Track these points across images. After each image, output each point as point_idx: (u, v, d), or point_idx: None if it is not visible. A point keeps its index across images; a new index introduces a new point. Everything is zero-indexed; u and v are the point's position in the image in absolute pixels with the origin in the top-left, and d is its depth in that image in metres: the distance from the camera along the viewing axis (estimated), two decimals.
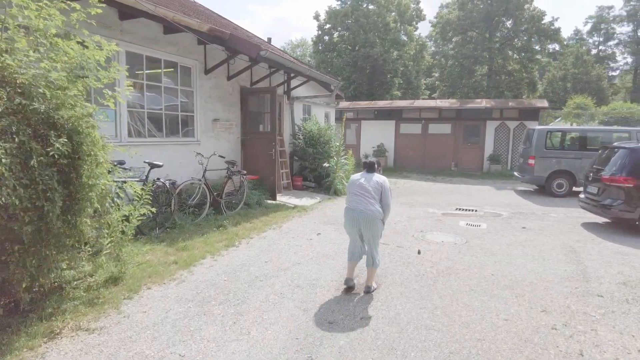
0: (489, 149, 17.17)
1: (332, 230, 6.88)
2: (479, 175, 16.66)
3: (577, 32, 47.79)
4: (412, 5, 33.99)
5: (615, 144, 8.04)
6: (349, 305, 3.94)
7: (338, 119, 19.44)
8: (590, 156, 10.96)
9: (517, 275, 4.88)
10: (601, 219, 8.24)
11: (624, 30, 44.72)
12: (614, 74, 45.39)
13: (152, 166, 5.60)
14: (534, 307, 3.96)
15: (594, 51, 44.04)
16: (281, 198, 9.47)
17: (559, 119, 22.95)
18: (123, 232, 4.26)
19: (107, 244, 4.29)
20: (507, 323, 3.63)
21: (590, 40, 45.96)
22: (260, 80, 9.72)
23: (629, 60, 43.79)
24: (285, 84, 11.06)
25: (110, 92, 3.66)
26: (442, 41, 31.31)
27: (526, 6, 26.02)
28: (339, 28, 30.27)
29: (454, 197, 11.27)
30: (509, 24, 27.70)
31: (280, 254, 5.47)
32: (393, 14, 29.89)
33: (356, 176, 4.31)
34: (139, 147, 6.76)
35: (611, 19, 45.06)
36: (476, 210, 9.43)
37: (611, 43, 45.17)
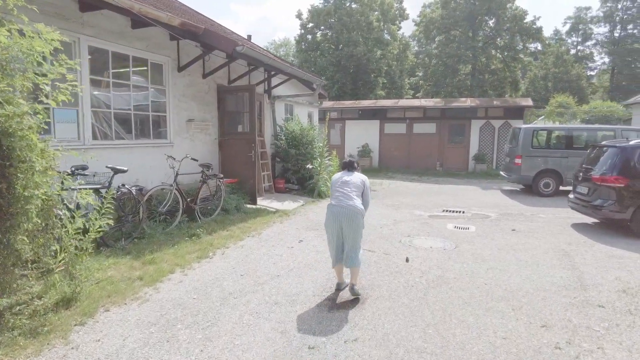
0: (474, 148, 17.04)
1: (315, 237, 6.48)
2: (465, 174, 16.50)
3: (556, 32, 48.60)
4: (395, 5, 33.89)
5: (604, 142, 7.87)
6: (331, 325, 3.54)
7: (322, 119, 19.08)
8: (577, 155, 10.87)
9: (512, 284, 4.56)
10: (590, 220, 8.07)
11: (601, 30, 45.74)
12: (592, 73, 46.28)
13: (116, 171, 5.10)
14: (533, 322, 3.64)
15: (572, 51, 44.81)
16: (262, 202, 9.03)
17: (542, 117, 23.09)
18: (77, 247, 3.76)
19: (60, 260, 3.79)
20: (506, 342, 3.29)
21: (569, 41, 46.80)
22: (238, 78, 9.26)
23: (606, 60, 44.73)
24: (266, 83, 10.61)
25: (47, 89, 3.17)
26: (426, 40, 31.25)
27: (508, 5, 26.14)
28: (322, 27, 29.92)
29: (440, 198, 11.00)
30: (491, 22, 27.81)
31: (258, 265, 5.04)
32: (376, 13, 29.68)
33: (338, 175, 4.43)
34: (105, 151, 6.27)
35: (589, 19, 45.97)
36: (464, 212, 9.17)
37: (589, 43, 46.10)
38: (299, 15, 30.85)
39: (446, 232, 7.11)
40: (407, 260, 5.35)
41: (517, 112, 16.33)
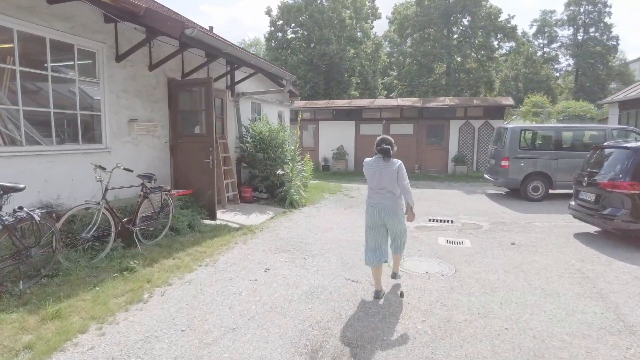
0: (453, 149, 16.30)
1: (286, 262, 5.27)
2: (444, 177, 15.71)
3: (523, 34, 49.36)
4: (368, 3, 33.15)
5: (608, 143, 7.08)
6: None
7: (293, 120, 17.87)
8: (567, 157, 10.19)
9: (540, 328, 3.53)
10: (592, 228, 7.27)
11: (565, 33, 46.70)
12: (557, 74, 47.26)
13: (4, 190, 3.70)
14: None
15: (539, 53, 45.60)
16: (223, 216, 7.74)
17: (516, 116, 22.78)
18: None
19: None
20: None
21: (536, 43, 47.61)
22: (194, 70, 7.93)
23: (571, 62, 45.74)
24: (228, 77, 9.32)
25: None
26: (400, 38, 30.57)
27: (483, 2, 25.83)
28: (293, 24, 28.73)
29: (423, 204, 10.01)
30: (466, 21, 27.42)
31: (208, 311, 3.78)
32: (349, 11, 28.78)
33: (372, 166, 4.17)
34: (10, 160, 4.85)
35: (554, 22, 46.95)
36: (452, 221, 8.22)
37: (555, 45, 47.03)
38: (268, 12, 29.55)
39: (439, 249, 6.08)
40: (401, 295, 4.24)
41: (498, 112, 15.70)
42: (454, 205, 10.04)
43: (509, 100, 15.71)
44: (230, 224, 7.19)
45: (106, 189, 4.87)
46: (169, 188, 6.02)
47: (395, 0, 35.69)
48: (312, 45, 27.02)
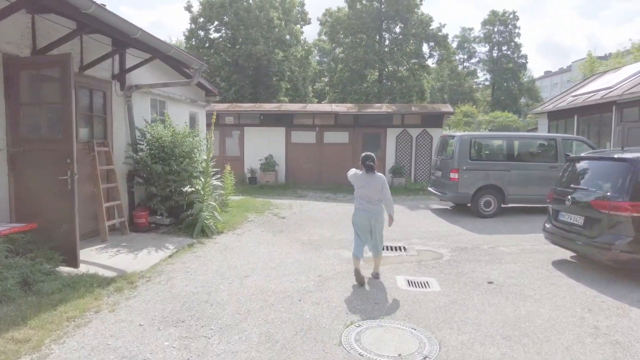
0: (390, 160, 15.14)
1: (174, 350, 3.16)
2: None
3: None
4: (298, 8, 31.74)
5: (588, 154, 6.01)
6: None
7: (210, 124, 15.50)
8: (520, 168, 9.29)
9: None
10: (566, 253, 6.16)
11: (482, 50, 49.80)
12: (475, 86, 50.06)
13: None
14: None
15: (460, 67, 47.93)
16: (97, 257, 5.36)
17: (447, 126, 22.67)
18: None
19: None
20: None
21: (457, 58, 50.10)
22: (56, 44, 5.45)
23: (488, 76, 48.79)
24: (114, 62, 6.92)
25: None
26: (331, 43, 29.41)
27: (416, 10, 25.65)
28: (216, 22, 26.23)
29: None
30: (398, 28, 27.06)
31: None
32: (277, 12, 27.01)
33: (360, 179, 4.94)
34: None
35: (472, 39, 49.89)
36: (405, 249, 6.71)
37: (474, 60, 49.93)
38: (188, 8, 26.68)
39: (402, 298, 4.42)
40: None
41: (436, 120, 14.88)
42: (402, 225, 8.56)
43: (448, 108, 14.97)
44: (101, 271, 4.83)
45: None
46: None
47: (326, 6, 34.79)
48: (238, 46, 24.75)
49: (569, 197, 5.40)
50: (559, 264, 5.80)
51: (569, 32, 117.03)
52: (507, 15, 46.08)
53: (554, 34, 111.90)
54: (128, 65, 7.17)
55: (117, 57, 7.03)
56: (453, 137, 9.78)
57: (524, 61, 47.15)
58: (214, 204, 7.51)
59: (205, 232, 7.06)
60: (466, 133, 10.10)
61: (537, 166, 9.32)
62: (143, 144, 7.38)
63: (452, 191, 9.39)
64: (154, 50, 6.14)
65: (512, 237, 7.53)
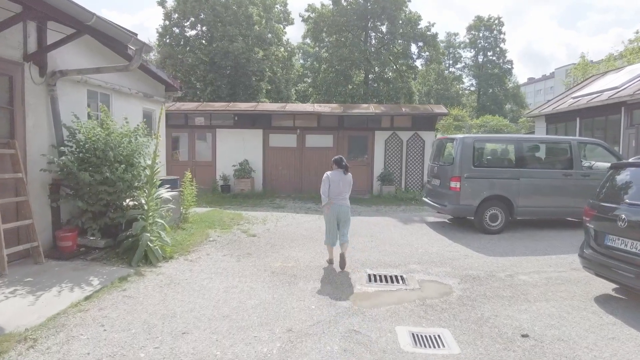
0: (379, 165, 13.78)
1: None
2: (370, 199, 13.03)
3: None
4: (279, 7, 30.38)
5: (635, 159, 4.69)
6: None
7: (180, 126, 13.86)
8: (531, 175, 8.01)
9: None
10: (608, 284, 4.85)
11: (468, 55, 49.39)
12: (461, 92, 49.57)
13: None
14: None
15: (446, 72, 47.33)
16: None
17: (439, 130, 21.54)
18: None
19: None
20: None
21: (443, 63, 49.51)
22: None
23: (474, 82, 48.31)
24: (32, 38, 5.34)
25: None
26: (315, 42, 28.03)
27: (404, 7, 24.50)
28: (191, 18, 24.60)
29: (354, 243, 6.96)
30: (385, 27, 25.88)
31: None
32: (258, 9, 25.57)
33: (335, 176, 5.65)
34: None
35: (457, 44, 49.41)
36: (403, 279, 5.31)
37: (459, 66, 49.43)
38: (161, 2, 24.99)
39: None
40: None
41: (428, 122, 13.60)
42: (396, 244, 7.18)
43: (442, 109, 13.69)
44: None
45: None
46: None
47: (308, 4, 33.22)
48: (215, 44, 23.16)
49: (623, 215, 4.06)
50: (605, 303, 4.47)
51: (548, 40, 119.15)
52: (492, 20, 45.76)
53: (534, 42, 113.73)
54: (50, 42, 5.58)
55: (33, 32, 5.46)
56: (452, 139, 8.46)
57: (510, 66, 46.91)
58: (161, 221, 5.95)
59: (148, 259, 5.51)
60: (468, 135, 8.78)
61: (549, 173, 8.07)
62: (72, 146, 5.80)
63: (453, 202, 8.05)
64: (68, 17, 4.57)
65: (529, 260, 6.20)
